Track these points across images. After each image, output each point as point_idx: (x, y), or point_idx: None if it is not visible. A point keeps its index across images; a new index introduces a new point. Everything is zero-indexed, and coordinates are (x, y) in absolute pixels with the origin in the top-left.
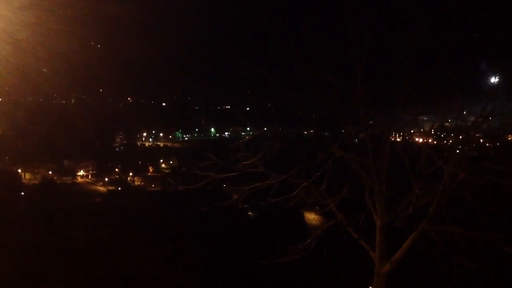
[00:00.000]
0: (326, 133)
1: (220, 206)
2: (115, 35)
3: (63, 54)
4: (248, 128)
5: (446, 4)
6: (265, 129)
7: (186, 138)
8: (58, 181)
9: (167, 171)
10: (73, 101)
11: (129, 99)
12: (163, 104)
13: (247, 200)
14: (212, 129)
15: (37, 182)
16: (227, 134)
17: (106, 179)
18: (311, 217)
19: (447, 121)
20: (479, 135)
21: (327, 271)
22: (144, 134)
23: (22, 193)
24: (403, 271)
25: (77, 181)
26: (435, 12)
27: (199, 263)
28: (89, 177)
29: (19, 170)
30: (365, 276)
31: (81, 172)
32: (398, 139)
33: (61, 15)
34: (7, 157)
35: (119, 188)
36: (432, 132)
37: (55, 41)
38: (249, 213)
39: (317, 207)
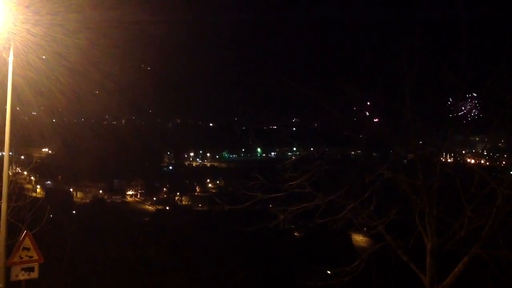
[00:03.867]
0: (374, 154)
1: (267, 227)
2: (164, 57)
3: (115, 75)
4: (294, 148)
5: (497, 22)
6: (312, 149)
7: (233, 157)
8: (108, 200)
9: (213, 190)
10: (123, 121)
11: (177, 119)
12: (210, 124)
13: (293, 220)
14: (259, 149)
15: (88, 201)
16: (274, 154)
17: (154, 199)
18: (359, 238)
19: (500, 142)
20: None
21: None
22: (192, 154)
23: (74, 212)
24: None
25: (126, 200)
26: (487, 30)
27: (244, 284)
28: (138, 196)
29: (71, 189)
30: None
31: (130, 192)
32: (449, 160)
33: (112, 38)
34: (59, 176)
35: (167, 208)
36: (485, 153)
37: (107, 63)
38: (295, 233)
39: (365, 229)
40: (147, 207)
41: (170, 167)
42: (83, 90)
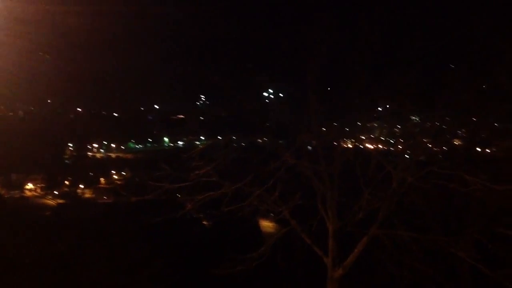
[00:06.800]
0: (280, 141)
1: (175, 216)
2: (65, 46)
3: (10, 65)
4: (202, 137)
5: (399, 14)
6: (219, 138)
7: (140, 148)
8: (6, 196)
9: (119, 182)
10: (20, 112)
11: (79, 109)
12: (115, 114)
13: (201, 209)
14: (166, 139)
15: None
16: (181, 143)
17: (56, 192)
18: (266, 224)
19: (396, 127)
20: (426, 140)
21: (282, 277)
22: (95, 145)
23: None
24: (356, 275)
25: (25, 195)
26: (389, 21)
27: (158, 275)
28: (38, 190)
29: None
30: (319, 281)
31: (30, 186)
32: (350, 146)
33: (6, 28)
34: None
35: (68, 201)
36: (382, 138)
37: (3, 54)
38: (204, 222)
39: (272, 215)
40: (47, 201)
41: (72, 160)
42: None
